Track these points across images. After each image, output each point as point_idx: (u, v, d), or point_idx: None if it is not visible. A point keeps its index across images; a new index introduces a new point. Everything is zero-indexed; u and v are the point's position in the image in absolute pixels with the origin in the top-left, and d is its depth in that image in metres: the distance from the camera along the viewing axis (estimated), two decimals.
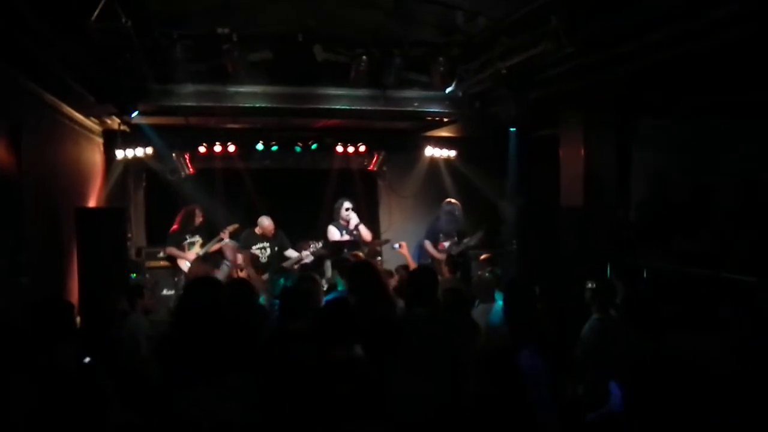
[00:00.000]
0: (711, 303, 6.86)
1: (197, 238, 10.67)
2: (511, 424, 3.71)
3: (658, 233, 9.09)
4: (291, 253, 10.63)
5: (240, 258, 10.05)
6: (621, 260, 9.18)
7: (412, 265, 9.25)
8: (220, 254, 10.34)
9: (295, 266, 10.23)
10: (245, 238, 10.60)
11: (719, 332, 5.35)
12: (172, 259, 10.84)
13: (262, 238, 10.59)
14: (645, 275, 8.57)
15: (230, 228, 10.59)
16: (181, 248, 10.64)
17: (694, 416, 3.74)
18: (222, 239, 10.34)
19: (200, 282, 5.81)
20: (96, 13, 5.72)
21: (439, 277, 8.86)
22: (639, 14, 5.98)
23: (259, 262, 10.46)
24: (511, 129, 11.11)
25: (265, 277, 9.59)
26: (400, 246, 9.97)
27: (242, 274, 9.18)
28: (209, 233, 10.75)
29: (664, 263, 8.53)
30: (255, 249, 10.52)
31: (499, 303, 6.89)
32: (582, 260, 9.04)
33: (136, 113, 9.07)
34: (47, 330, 5.79)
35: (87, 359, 6.40)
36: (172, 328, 5.42)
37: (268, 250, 10.57)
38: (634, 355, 5.01)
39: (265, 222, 10.60)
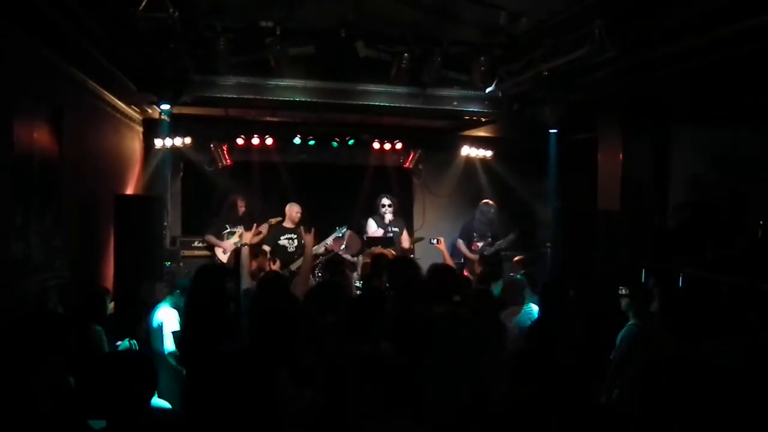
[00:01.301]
0: (743, 311, 6.79)
1: (238, 229, 10.73)
2: (543, 425, 3.70)
3: (694, 239, 9.00)
4: (318, 248, 10.66)
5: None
6: (657, 265, 9.11)
7: (449, 260, 9.22)
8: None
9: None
10: (273, 232, 10.64)
11: (750, 340, 5.31)
12: (210, 248, 10.91)
13: (290, 229, 10.62)
14: (680, 281, 8.48)
15: (273, 220, 10.63)
16: (221, 237, 10.71)
17: (721, 423, 3.71)
18: (260, 233, 10.39)
19: (207, 270, 5.82)
20: (143, 3, 5.78)
21: (472, 277, 8.89)
22: (681, 18, 5.94)
23: (287, 252, 10.48)
24: (550, 131, 11.06)
25: (294, 266, 9.64)
26: (437, 241, 9.92)
27: (275, 267, 9.21)
28: (252, 224, 10.84)
29: (699, 270, 8.46)
30: (283, 240, 10.55)
31: (530, 305, 6.89)
32: (617, 264, 9.00)
33: (176, 103, 9.13)
34: (81, 313, 5.88)
35: (119, 343, 6.51)
36: (186, 316, 5.46)
37: (296, 242, 10.58)
38: (667, 360, 4.97)
39: (292, 209, 10.64)
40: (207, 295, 5.24)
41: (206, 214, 11.26)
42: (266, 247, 10.46)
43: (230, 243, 10.56)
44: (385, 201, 10.84)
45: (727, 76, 7.28)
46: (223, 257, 10.49)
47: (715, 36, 5.88)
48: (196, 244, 11.34)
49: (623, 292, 6.25)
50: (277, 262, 9.35)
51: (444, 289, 5.77)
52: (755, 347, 4.93)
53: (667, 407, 3.64)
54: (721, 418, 3.58)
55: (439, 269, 6.27)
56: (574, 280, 8.23)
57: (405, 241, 10.84)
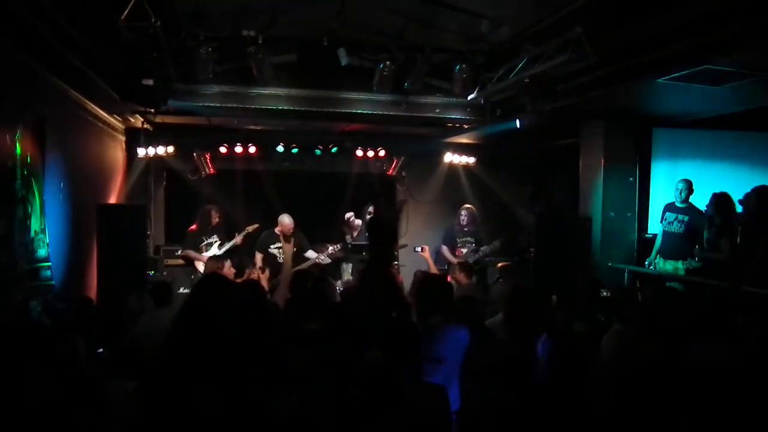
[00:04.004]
0: (727, 314, 6.83)
1: (214, 239, 10.68)
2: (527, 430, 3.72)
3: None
4: (310, 254, 10.65)
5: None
6: (640, 270, 9.18)
7: (433, 268, 9.26)
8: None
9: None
10: (264, 238, 10.63)
11: (735, 343, 5.34)
12: (189, 260, 10.85)
13: (281, 237, 10.61)
14: (664, 285, 8.53)
15: (250, 228, 10.62)
16: (198, 250, 10.62)
17: (708, 425, 3.74)
18: (238, 242, 10.42)
19: (209, 280, 5.81)
20: (126, 12, 5.79)
21: (454, 284, 8.90)
22: (661, 26, 6.00)
23: (277, 261, 10.47)
24: (531, 137, 11.12)
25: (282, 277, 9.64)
26: (422, 249, 9.97)
27: (263, 276, 9.19)
28: (227, 233, 10.79)
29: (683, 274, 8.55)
30: (273, 248, 10.54)
31: None
32: (600, 269, 9.05)
33: (159, 112, 9.12)
34: (64, 322, 5.86)
35: (100, 349, 6.46)
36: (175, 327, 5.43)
37: (285, 252, 10.58)
38: (651, 365, 5.01)
39: (285, 220, 10.59)
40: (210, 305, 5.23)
41: (189, 224, 11.24)
42: (259, 255, 10.46)
43: (209, 255, 10.50)
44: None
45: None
46: (203, 269, 10.45)
47: (695, 43, 5.96)
48: (178, 252, 11.29)
49: (605, 294, 6.28)
50: (266, 271, 9.34)
51: (436, 299, 5.79)
52: (740, 350, 4.97)
53: (652, 410, 3.67)
54: (705, 419, 3.62)
55: (428, 280, 6.29)
56: (556, 285, 8.27)
57: None
